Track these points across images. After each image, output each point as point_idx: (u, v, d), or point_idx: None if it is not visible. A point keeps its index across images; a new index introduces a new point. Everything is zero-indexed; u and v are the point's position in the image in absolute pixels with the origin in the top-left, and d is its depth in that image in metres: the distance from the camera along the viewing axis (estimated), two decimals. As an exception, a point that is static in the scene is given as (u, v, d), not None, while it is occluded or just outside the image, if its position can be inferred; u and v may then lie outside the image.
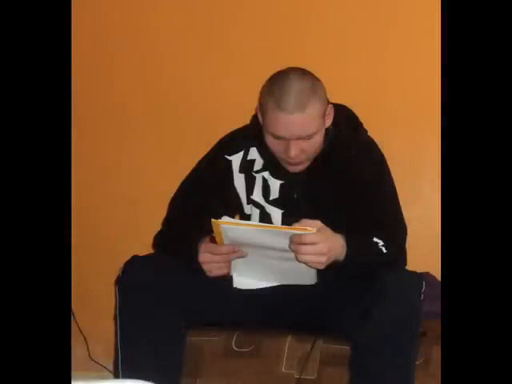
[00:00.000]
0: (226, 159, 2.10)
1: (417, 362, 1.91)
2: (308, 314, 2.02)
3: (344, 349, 1.94)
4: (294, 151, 1.94)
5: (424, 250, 2.39)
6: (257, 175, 2.09)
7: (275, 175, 2.07)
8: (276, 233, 1.84)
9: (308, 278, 1.93)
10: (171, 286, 1.94)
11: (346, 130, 2.07)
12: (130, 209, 2.76)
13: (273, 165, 2.06)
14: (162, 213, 2.16)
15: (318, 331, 1.99)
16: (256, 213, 2.09)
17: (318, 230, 1.82)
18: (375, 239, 1.94)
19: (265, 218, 2.08)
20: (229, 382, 2.00)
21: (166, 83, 2.73)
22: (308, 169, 2.04)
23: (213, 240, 1.91)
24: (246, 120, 2.14)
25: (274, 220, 2.08)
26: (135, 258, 1.98)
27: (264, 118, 1.97)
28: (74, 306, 2.40)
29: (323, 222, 1.85)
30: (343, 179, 2.04)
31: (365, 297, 1.87)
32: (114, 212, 2.78)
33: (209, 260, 1.92)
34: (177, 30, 2.71)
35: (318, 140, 1.98)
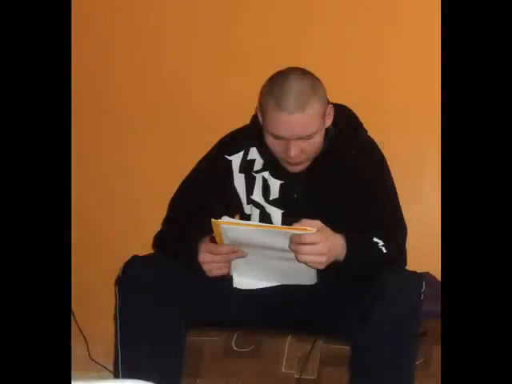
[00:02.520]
0: (226, 159, 2.10)
1: (417, 362, 1.91)
2: (308, 314, 2.02)
3: (344, 349, 1.94)
4: (294, 151, 1.94)
5: (424, 250, 2.39)
6: (257, 175, 2.09)
7: (275, 175, 2.07)
8: (276, 233, 1.84)
9: (308, 278, 1.93)
10: (171, 286, 1.94)
11: (346, 130, 2.07)
12: (130, 209, 2.76)
13: (273, 165, 2.06)
14: (161, 213, 2.16)
15: (318, 331, 1.99)
16: (256, 213, 2.09)
17: (318, 230, 1.82)
18: (375, 239, 1.94)
19: (265, 217, 2.08)
20: (229, 382, 2.00)
21: (166, 83, 2.73)
22: (308, 169, 2.04)
23: (213, 240, 1.91)
24: (246, 120, 2.14)
25: (274, 220, 2.08)
26: (135, 257, 1.98)
27: (264, 118, 1.97)
28: (73, 306, 2.40)
29: (323, 222, 1.85)
30: (343, 179, 2.04)
31: (365, 297, 1.87)
32: (114, 212, 2.78)
33: (209, 260, 1.92)
34: (177, 30, 2.71)
35: (318, 140, 1.98)
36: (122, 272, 1.96)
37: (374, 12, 2.58)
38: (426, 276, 2.18)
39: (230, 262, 1.93)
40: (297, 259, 1.84)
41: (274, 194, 2.08)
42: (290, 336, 2.02)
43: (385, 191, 2.06)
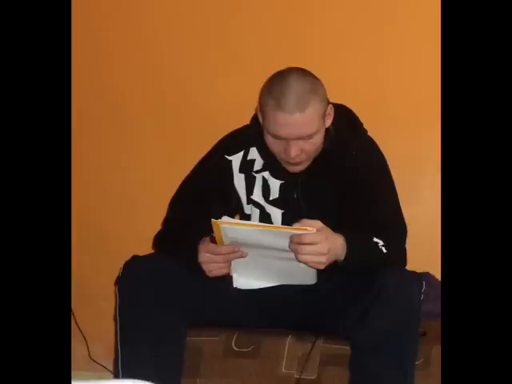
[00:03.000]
0: (226, 159, 2.10)
1: (417, 362, 1.91)
2: (308, 314, 2.02)
3: (344, 349, 1.94)
4: (294, 151, 1.94)
5: (424, 250, 2.39)
6: (257, 175, 2.09)
7: (275, 175, 2.07)
8: (276, 233, 1.84)
9: (308, 277, 1.93)
10: (171, 285, 1.94)
11: (346, 130, 2.07)
12: (130, 209, 2.76)
13: (273, 165, 2.06)
14: (161, 213, 2.16)
15: (318, 331, 1.99)
16: (256, 213, 2.09)
17: (318, 230, 1.82)
18: (375, 239, 1.94)
19: (265, 218, 2.08)
20: (229, 382, 2.00)
21: (166, 83, 2.73)
22: (308, 169, 2.04)
23: (213, 240, 1.91)
24: (246, 120, 2.14)
25: (273, 220, 2.08)
26: (135, 257, 1.98)
27: (264, 118, 1.97)
28: (73, 306, 2.40)
29: (323, 222, 1.85)
30: (343, 179, 2.04)
31: (365, 297, 1.87)
32: (113, 212, 2.78)
33: (209, 260, 1.92)
34: (177, 30, 2.71)
35: (318, 140, 1.98)
36: (122, 272, 1.96)
37: (374, 12, 2.58)
38: (426, 276, 2.18)
39: (230, 262, 1.93)
40: (297, 259, 1.84)
41: (274, 194, 2.08)
42: (289, 336, 2.02)
43: (385, 191, 2.06)
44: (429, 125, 2.42)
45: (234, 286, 1.99)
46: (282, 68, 1.98)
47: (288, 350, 2.00)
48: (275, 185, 2.07)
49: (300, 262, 1.84)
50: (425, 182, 2.56)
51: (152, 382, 1.28)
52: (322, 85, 1.97)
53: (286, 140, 1.94)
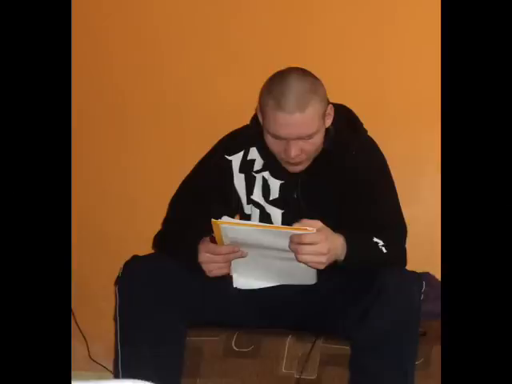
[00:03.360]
0: (226, 159, 2.10)
1: (417, 362, 1.91)
2: (308, 314, 2.02)
3: (344, 349, 1.94)
4: (294, 151, 1.94)
5: (424, 250, 2.39)
6: (257, 175, 2.09)
7: (275, 175, 2.07)
8: (276, 233, 1.84)
9: (308, 277, 1.93)
10: (171, 285, 1.94)
11: (346, 130, 2.07)
12: (130, 209, 2.76)
13: (273, 165, 2.06)
14: (161, 213, 2.16)
15: (318, 331, 1.99)
16: (256, 213, 2.09)
17: (318, 230, 1.82)
18: (375, 239, 1.94)
19: (265, 218, 2.08)
20: (229, 382, 2.00)
21: (166, 83, 2.73)
22: (308, 169, 2.04)
23: (213, 240, 1.91)
24: (246, 120, 2.14)
25: (273, 220, 2.08)
26: (135, 257, 1.98)
27: (264, 118, 1.97)
28: (73, 306, 2.40)
29: (323, 221, 1.85)
30: (343, 179, 2.04)
31: (365, 297, 1.87)
32: (113, 212, 2.78)
33: (209, 260, 1.92)
34: (177, 30, 2.71)
35: (318, 140, 1.98)
36: (122, 272, 1.96)
37: (374, 12, 2.58)
38: (426, 276, 2.18)
39: (230, 262, 1.93)
40: (297, 259, 1.84)
41: (274, 194, 2.08)
42: (289, 336, 2.02)
43: (385, 191, 2.06)
44: (429, 125, 2.42)
45: (234, 286, 1.99)
46: (282, 68, 1.98)
47: (288, 349, 2.00)
48: (275, 185, 2.07)
49: (300, 261, 1.84)
50: (425, 182, 2.56)
51: (152, 381, 1.28)
52: (322, 85, 1.97)
53: (286, 140, 1.94)
